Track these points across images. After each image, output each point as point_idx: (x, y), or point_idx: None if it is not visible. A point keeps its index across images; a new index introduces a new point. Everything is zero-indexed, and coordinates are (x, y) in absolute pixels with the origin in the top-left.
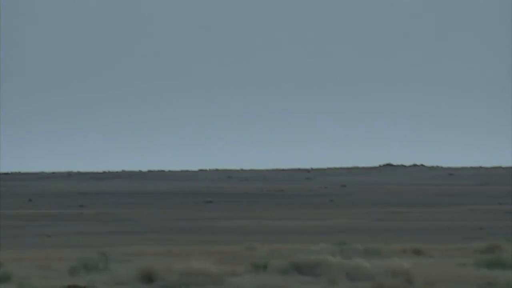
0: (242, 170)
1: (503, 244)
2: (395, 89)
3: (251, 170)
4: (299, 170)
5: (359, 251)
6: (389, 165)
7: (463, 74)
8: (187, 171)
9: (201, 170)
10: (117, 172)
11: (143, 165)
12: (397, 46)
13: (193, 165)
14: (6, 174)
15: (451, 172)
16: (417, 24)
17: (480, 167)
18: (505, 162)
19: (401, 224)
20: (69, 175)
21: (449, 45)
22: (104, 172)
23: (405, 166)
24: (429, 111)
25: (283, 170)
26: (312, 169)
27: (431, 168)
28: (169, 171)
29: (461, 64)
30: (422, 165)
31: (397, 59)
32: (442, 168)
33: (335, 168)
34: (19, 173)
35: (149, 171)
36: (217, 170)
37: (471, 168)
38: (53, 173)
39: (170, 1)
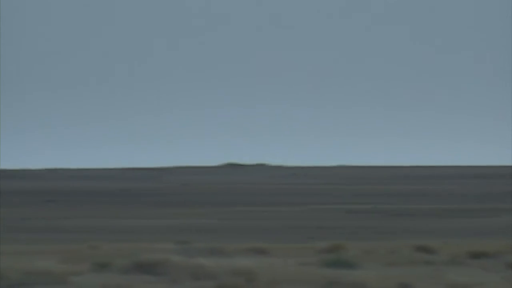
0: (86, 169)
1: (345, 244)
2: (240, 87)
3: (96, 169)
4: (143, 169)
5: (202, 251)
6: (231, 164)
7: (303, 67)
8: (30, 170)
9: (46, 169)
10: None
11: None
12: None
13: (38, 164)
14: None
15: (294, 172)
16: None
17: (323, 167)
18: (347, 162)
19: (245, 223)
20: None
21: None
22: None
23: (247, 165)
24: (270, 109)
25: (127, 169)
26: (156, 168)
27: (274, 167)
28: (13, 170)
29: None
30: (264, 164)
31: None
32: (285, 167)
33: (178, 167)
34: None
35: None
36: (61, 169)
37: (314, 167)
38: None
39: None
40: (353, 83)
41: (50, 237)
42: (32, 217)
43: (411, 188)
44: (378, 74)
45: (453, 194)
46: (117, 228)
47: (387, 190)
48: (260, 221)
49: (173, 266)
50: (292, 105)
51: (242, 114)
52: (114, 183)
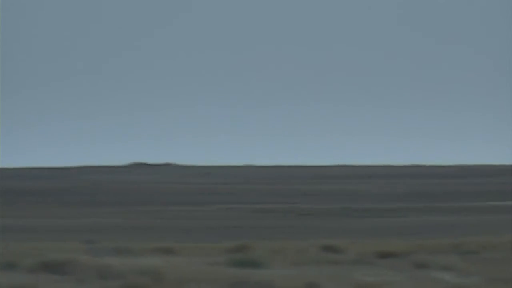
0: None
1: (253, 243)
2: (150, 90)
3: (4, 169)
4: (49, 168)
5: (110, 250)
6: (138, 163)
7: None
8: None
9: None
10: None
11: None
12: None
13: None
14: None
15: (201, 171)
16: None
17: (231, 166)
18: (255, 161)
19: (152, 222)
20: None
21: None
22: None
23: (154, 165)
24: (176, 110)
25: (36, 168)
26: (61, 167)
27: (181, 167)
28: None
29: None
30: (171, 164)
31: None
32: (192, 167)
33: (85, 167)
34: None
35: None
36: None
37: (221, 167)
38: None
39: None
40: (262, 83)
41: None
42: None
43: (318, 188)
44: (291, 70)
45: (360, 194)
46: (25, 228)
47: (294, 190)
48: (168, 221)
49: (80, 265)
50: (199, 105)
51: (150, 115)
52: (22, 183)
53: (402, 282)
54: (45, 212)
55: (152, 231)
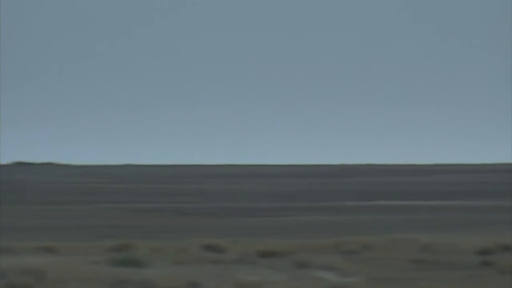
0: None
1: (135, 242)
2: (42, 89)
3: None
4: None
5: None
6: (19, 163)
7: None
8: None
9: None
10: None
11: None
12: None
13: None
14: None
15: (82, 170)
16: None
17: (111, 166)
18: (140, 161)
19: (33, 222)
20: None
21: None
22: None
23: (35, 164)
24: (58, 109)
25: None
26: None
27: (62, 166)
28: None
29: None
30: (52, 163)
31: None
32: (73, 166)
33: None
34: None
35: None
36: None
37: (102, 166)
38: None
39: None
40: (153, 83)
41: None
42: None
43: (198, 187)
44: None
45: (241, 193)
46: None
47: (174, 188)
48: (49, 220)
49: None
50: (82, 105)
51: (32, 114)
52: None
53: (284, 282)
54: None
55: (33, 230)
